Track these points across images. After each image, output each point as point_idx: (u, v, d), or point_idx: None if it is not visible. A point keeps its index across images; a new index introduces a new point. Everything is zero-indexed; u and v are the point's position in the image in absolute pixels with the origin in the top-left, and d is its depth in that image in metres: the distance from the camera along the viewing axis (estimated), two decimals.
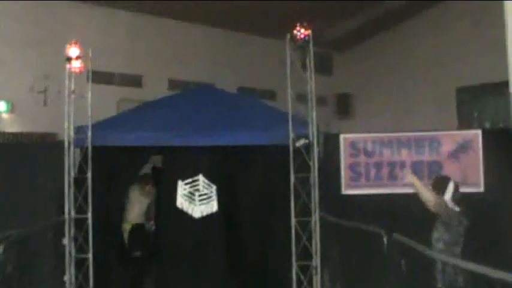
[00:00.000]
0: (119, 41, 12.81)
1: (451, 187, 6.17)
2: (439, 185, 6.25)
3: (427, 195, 6.00)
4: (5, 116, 11.60)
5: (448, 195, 6.12)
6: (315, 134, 7.84)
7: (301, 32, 7.72)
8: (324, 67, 15.23)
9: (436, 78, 15.23)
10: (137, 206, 9.07)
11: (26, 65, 11.56)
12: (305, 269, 7.77)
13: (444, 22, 15.30)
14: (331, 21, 14.49)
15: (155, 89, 12.05)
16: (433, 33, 15.49)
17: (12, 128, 11.62)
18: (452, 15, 15.08)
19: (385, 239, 5.68)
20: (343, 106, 16.92)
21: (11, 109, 11.60)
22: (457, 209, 6.07)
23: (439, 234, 6.00)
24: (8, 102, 11.51)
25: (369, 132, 8.52)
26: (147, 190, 9.19)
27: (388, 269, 5.69)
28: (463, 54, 14.67)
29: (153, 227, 9.44)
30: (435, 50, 15.39)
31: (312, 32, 7.75)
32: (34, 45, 11.58)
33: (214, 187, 8.53)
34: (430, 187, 6.24)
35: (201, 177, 8.58)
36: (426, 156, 8.02)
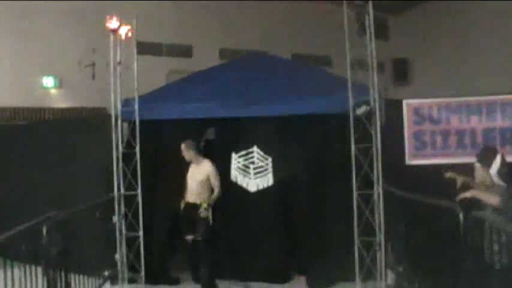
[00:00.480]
0: (166, 10, 12.44)
1: (498, 160, 5.50)
2: (486, 156, 5.59)
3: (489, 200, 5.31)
4: (53, 91, 11.47)
5: (494, 169, 5.47)
6: (377, 100, 7.26)
7: None
8: (379, 31, 14.49)
9: (499, 38, 14.30)
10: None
11: (72, 39, 11.38)
12: (368, 246, 7.26)
13: None
14: None
15: (206, 59, 11.59)
16: None
17: (61, 104, 11.49)
18: None
19: (461, 216, 5.10)
20: (401, 72, 16.19)
21: (59, 84, 11.44)
22: (502, 183, 5.42)
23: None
24: (55, 77, 11.34)
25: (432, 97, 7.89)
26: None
27: (464, 248, 5.12)
28: None
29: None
30: (496, 10, 14.45)
31: None
32: (80, 19, 11.37)
33: (270, 159, 8.07)
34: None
35: (255, 149, 8.14)
36: (499, 122, 7.37)
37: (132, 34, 7.82)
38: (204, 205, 7.64)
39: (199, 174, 7.77)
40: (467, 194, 5.40)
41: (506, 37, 14.13)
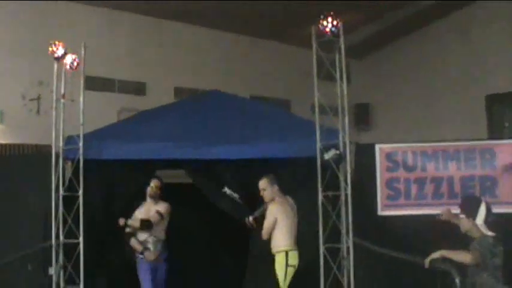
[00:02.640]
0: (120, 45, 11.77)
1: (482, 209, 5.04)
2: (469, 206, 5.14)
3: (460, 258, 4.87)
4: None
5: (480, 218, 5.00)
6: (347, 144, 6.67)
7: (329, 22, 6.58)
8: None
9: (463, 85, 14.06)
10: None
11: (16, 71, 10.56)
12: None
13: (471, 26, 14.15)
14: (347, 27, 13.44)
15: (160, 98, 10.92)
16: (457, 38, 14.34)
17: (2, 139, 10.59)
18: (480, 19, 13.94)
19: (457, 281, 4.45)
20: (362, 116, 15.77)
21: (1, 119, 10.57)
22: (490, 233, 4.94)
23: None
24: None
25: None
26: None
27: None
28: (491, 62, 13.52)
29: None
30: (460, 57, 14.25)
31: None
32: (26, 50, 10.57)
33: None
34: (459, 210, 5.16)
35: (227, 190, 7.43)
36: (478, 169, 6.86)
37: (79, 65, 7.14)
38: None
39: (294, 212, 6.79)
40: (436, 255, 4.93)
41: (467, 86, 13.90)
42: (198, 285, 8.67)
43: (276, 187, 6.76)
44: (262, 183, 6.78)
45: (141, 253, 7.22)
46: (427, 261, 4.95)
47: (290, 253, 6.57)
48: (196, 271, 8.62)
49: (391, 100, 15.54)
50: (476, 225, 4.98)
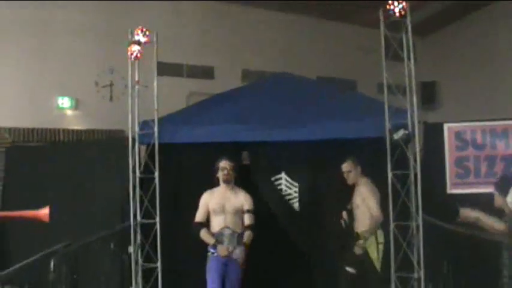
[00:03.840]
0: (188, 30, 11.97)
1: None
2: (503, 185, 5.43)
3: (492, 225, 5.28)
4: (69, 112, 11.00)
5: (510, 197, 5.21)
6: (416, 123, 6.69)
7: (396, 5, 6.60)
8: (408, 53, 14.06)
9: None
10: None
11: (90, 59, 10.93)
12: (406, 282, 6.65)
13: None
14: (412, 5, 13.25)
15: (228, 81, 11.08)
16: None
17: (76, 125, 11.02)
18: None
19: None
20: (428, 95, 15.56)
21: (75, 105, 10.98)
22: None
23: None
24: (71, 98, 10.90)
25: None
26: None
27: None
28: None
29: None
30: None
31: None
32: (98, 38, 10.91)
33: (297, 186, 7.51)
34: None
35: (283, 175, 7.58)
36: None
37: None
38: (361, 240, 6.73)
39: (356, 196, 6.92)
40: (472, 214, 5.36)
41: None
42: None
43: (359, 168, 6.88)
44: (348, 166, 6.88)
45: (214, 247, 6.50)
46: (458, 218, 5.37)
47: (378, 231, 6.75)
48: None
49: (457, 78, 15.28)
50: (506, 203, 5.20)
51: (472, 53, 14.96)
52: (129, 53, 7.24)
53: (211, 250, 6.51)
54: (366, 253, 6.78)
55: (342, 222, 7.11)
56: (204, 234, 6.57)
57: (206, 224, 6.61)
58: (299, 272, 7.63)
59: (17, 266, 4.49)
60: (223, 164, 6.59)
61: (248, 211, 6.55)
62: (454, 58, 15.34)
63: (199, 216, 6.66)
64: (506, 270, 5.00)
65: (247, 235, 6.51)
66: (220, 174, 6.63)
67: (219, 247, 6.43)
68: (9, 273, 4.41)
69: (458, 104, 14.66)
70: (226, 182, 6.61)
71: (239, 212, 6.54)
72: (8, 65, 10.26)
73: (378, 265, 6.75)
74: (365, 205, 6.78)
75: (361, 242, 6.69)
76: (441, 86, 15.86)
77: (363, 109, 7.53)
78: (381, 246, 6.75)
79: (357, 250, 6.73)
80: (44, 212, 5.03)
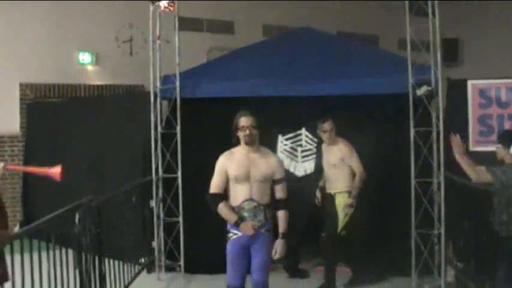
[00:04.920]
0: None
1: None
2: (505, 138, 5.72)
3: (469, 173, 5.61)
4: (89, 67, 11.06)
5: None
6: (439, 80, 6.62)
7: None
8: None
9: None
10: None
11: (110, 14, 10.94)
12: (426, 239, 6.66)
13: None
14: None
15: (248, 36, 11.02)
16: None
17: (97, 81, 11.08)
18: None
19: None
20: (451, 52, 15.35)
21: (96, 61, 11.02)
22: None
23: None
24: (92, 53, 10.93)
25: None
26: None
27: None
28: None
29: None
30: None
31: None
32: None
33: (317, 141, 7.51)
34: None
35: (303, 131, 7.60)
36: None
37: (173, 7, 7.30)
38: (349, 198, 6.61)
39: (333, 156, 6.81)
40: (457, 156, 5.64)
41: None
42: None
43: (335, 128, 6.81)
44: (330, 124, 6.76)
45: (236, 225, 5.03)
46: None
47: (347, 194, 6.70)
48: None
49: (479, 35, 15.07)
50: (509, 154, 5.52)
51: (495, 10, 14.70)
52: (161, 8, 7.18)
53: (233, 230, 5.08)
54: (335, 213, 6.74)
55: (316, 201, 7.10)
56: (223, 209, 5.08)
57: (224, 195, 5.17)
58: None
59: (43, 219, 4.56)
60: (244, 121, 5.11)
61: (280, 181, 5.19)
62: (476, 14, 15.08)
63: (215, 186, 5.17)
64: None
65: (283, 216, 5.18)
66: (240, 135, 5.14)
67: (243, 225, 5.00)
68: (36, 226, 4.50)
69: (480, 61, 14.47)
70: (250, 143, 5.11)
71: (268, 181, 5.14)
72: (28, 22, 10.28)
73: (340, 225, 6.72)
74: (344, 164, 6.73)
75: (350, 201, 6.63)
76: (464, 43, 15.64)
77: (385, 65, 7.44)
78: (350, 210, 6.67)
79: (348, 210, 6.65)
80: (55, 171, 4.96)
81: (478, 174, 5.48)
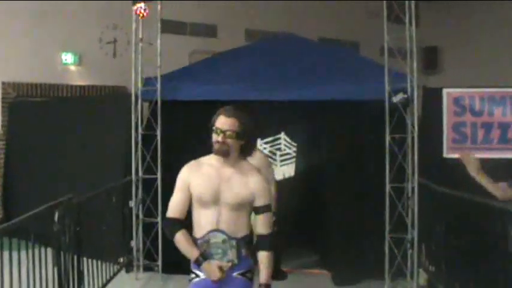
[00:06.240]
0: None
1: None
2: None
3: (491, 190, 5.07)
4: (72, 68, 11.08)
5: None
6: (415, 88, 6.79)
7: None
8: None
9: None
10: None
11: (94, 15, 10.95)
12: (400, 243, 6.83)
13: None
14: None
15: (231, 40, 11.11)
16: None
17: (80, 81, 11.11)
18: None
19: None
20: (430, 60, 15.58)
21: (79, 61, 11.05)
22: None
23: None
24: (75, 53, 10.96)
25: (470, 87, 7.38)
26: None
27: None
28: None
29: None
30: None
31: None
32: None
33: (296, 146, 7.65)
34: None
35: (282, 135, 7.72)
36: None
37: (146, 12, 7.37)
38: None
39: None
40: (474, 174, 5.12)
41: None
42: None
43: None
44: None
45: (197, 264, 3.69)
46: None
47: None
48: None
49: (459, 43, 15.26)
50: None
51: (475, 19, 14.93)
52: (134, 11, 7.27)
53: (195, 270, 3.76)
54: None
55: None
56: (180, 240, 3.70)
57: (185, 221, 3.78)
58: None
59: (22, 217, 4.60)
60: (221, 122, 3.67)
61: (262, 209, 3.73)
62: (457, 23, 15.29)
63: (173, 208, 3.81)
64: None
65: (264, 260, 3.72)
66: (213, 139, 3.70)
67: (206, 265, 3.64)
68: (14, 224, 4.53)
69: (460, 70, 14.66)
70: (220, 153, 3.68)
71: (244, 208, 3.72)
72: (13, 21, 10.29)
73: None
74: None
75: None
76: (443, 52, 15.86)
77: (363, 72, 7.58)
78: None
79: None
80: None
81: (504, 191, 5.07)
